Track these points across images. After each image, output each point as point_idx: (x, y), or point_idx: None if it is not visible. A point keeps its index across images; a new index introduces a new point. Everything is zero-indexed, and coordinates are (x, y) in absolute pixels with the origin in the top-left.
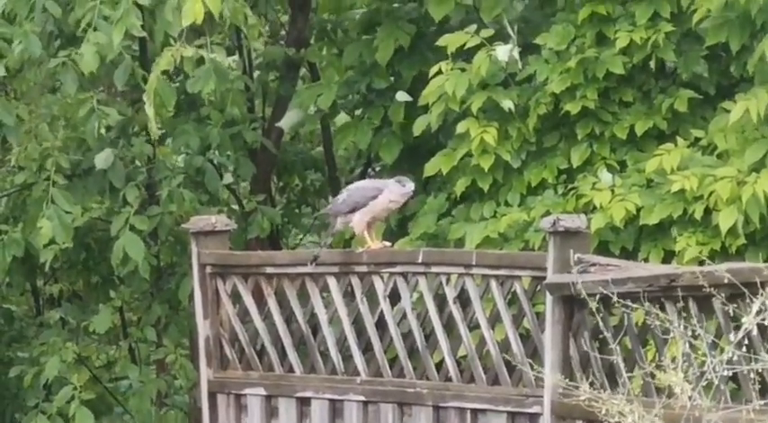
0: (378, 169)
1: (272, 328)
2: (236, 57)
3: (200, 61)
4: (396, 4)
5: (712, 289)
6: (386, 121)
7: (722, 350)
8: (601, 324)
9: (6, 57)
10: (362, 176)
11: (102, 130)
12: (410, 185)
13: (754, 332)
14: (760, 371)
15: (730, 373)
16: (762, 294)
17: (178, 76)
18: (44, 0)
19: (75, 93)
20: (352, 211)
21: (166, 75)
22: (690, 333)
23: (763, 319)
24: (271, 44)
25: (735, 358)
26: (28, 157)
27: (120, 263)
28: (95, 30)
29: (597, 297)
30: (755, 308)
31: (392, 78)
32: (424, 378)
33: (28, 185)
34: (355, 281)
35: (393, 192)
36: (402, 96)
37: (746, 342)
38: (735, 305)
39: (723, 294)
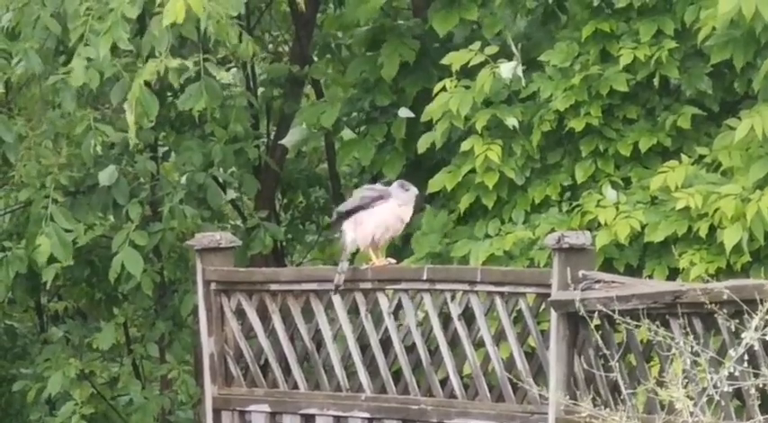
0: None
1: (277, 345)
2: (235, 71)
3: (198, 77)
4: (400, 21)
5: (715, 306)
6: (389, 138)
7: (735, 369)
8: (600, 342)
9: (7, 73)
10: None
11: (99, 148)
12: (413, 189)
13: (756, 347)
14: (762, 387)
15: (732, 390)
16: (760, 310)
17: (179, 93)
18: (45, 16)
19: (74, 110)
20: (356, 210)
21: (170, 90)
22: (693, 350)
23: (764, 335)
24: (274, 61)
25: (737, 374)
26: (28, 174)
27: (119, 278)
28: (86, 45)
29: (601, 314)
30: (755, 323)
31: (395, 95)
32: (429, 395)
33: (31, 202)
34: (360, 297)
35: (399, 197)
36: (404, 112)
37: (747, 358)
38: (737, 321)
39: (727, 311)
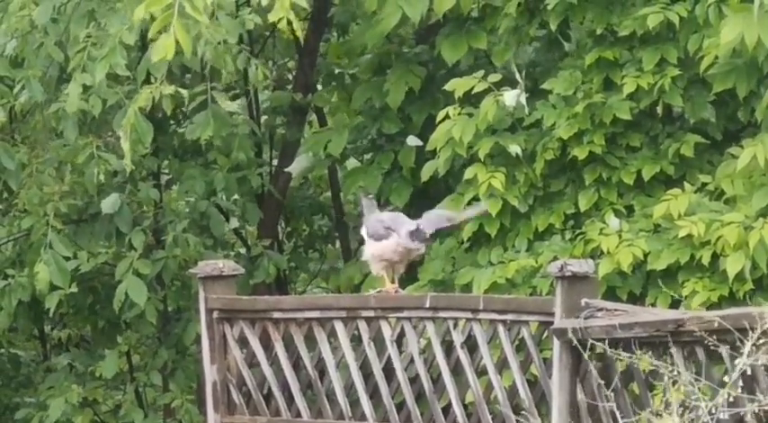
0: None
1: (280, 373)
2: (241, 101)
3: (203, 105)
4: (405, 48)
5: (711, 333)
6: (395, 166)
7: (729, 395)
8: (594, 374)
9: (10, 101)
10: None
11: (102, 176)
12: (422, 242)
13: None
14: (757, 412)
15: (728, 417)
16: (751, 336)
17: (182, 121)
18: (48, 44)
19: (75, 138)
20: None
21: (173, 118)
22: (695, 378)
23: (756, 360)
24: (278, 89)
25: (731, 399)
26: (30, 201)
27: (123, 306)
28: (84, 71)
29: (605, 342)
30: (747, 348)
31: (402, 122)
32: None
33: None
34: (363, 325)
35: (402, 238)
36: (413, 141)
37: (747, 383)
38: (740, 352)
39: (729, 339)
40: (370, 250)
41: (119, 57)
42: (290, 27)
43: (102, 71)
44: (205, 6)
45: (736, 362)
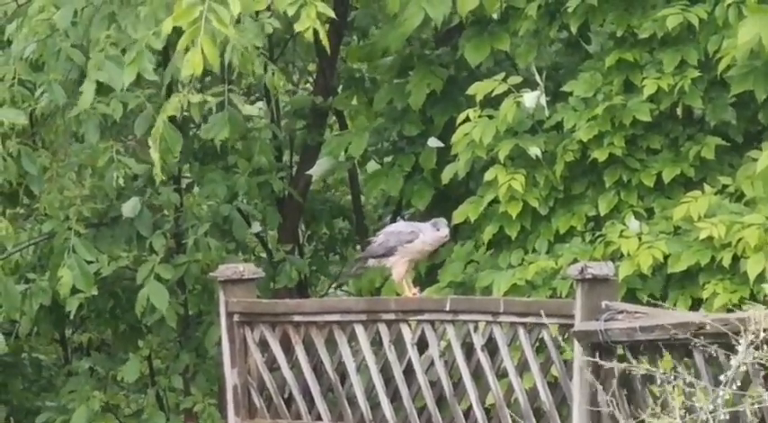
0: (407, 216)
1: (300, 377)
2: (262, 104)
3: (222, 107)
4: (427, 51)
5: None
6: (417, 168)
7: (751, 397)
8: (615, 376)
9: (31, 105)
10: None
11: (121, 181)
12: (445, 230)
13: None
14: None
15: (728, 416)
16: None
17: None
18: (68, 48)
19: (96, 141)
20: (385, 255)
21: (192, 122)
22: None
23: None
24: (298, 93)
25: (727, 397)
26: (51, 205)
27: (145, 311)
28: (99, 69)
29: (624, 344)
30: (743, 346)
31: (423, 124)
32: None
33: (54, 234)
34: (383, 329)
35: (428, 236)
36: (434, 142)
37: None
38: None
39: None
40: (399, 255)
41: (146, 61)
42: (316, 35)
43: (130, 76)
44: (231, 18)
45: (732, 361)
